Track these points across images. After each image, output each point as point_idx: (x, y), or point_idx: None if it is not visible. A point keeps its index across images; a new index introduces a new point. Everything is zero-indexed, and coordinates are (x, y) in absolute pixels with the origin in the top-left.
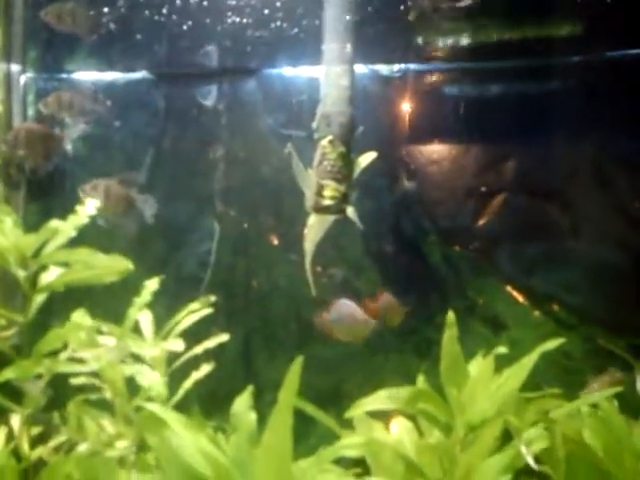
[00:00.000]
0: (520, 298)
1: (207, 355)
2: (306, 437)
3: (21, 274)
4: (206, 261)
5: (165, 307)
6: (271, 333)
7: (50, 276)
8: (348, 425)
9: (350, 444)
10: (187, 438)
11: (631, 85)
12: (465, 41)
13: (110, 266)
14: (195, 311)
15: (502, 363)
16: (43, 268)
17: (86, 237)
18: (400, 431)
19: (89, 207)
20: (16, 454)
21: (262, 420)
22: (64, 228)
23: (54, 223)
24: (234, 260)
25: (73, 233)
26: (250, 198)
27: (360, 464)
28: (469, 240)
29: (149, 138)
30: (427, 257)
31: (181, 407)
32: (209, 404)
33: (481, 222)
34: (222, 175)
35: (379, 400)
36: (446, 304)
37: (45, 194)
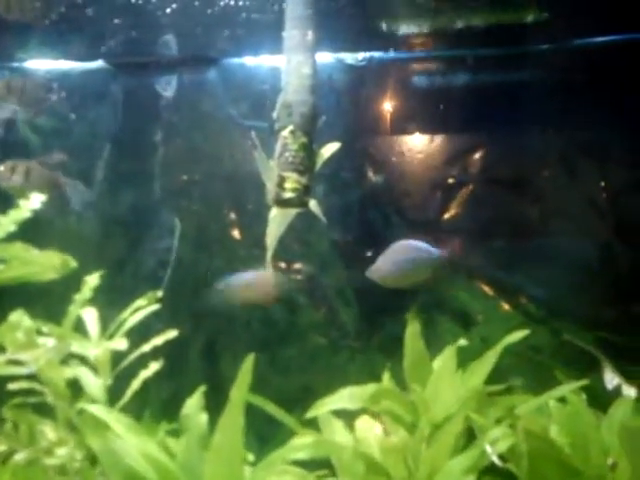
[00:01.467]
0: (489, 292)
1: (164, 354)
2: (272, 438)
3: None
4: (166, 258)
5: (123, 306)
6: (235, 332)
7: None
8: (315, 425)
9: (300, 445)
10: (131, 441)
11: (599, 73)
12: (430, 28)
13: (48, 262)
14: (142, 307)
15: (472, 358)
16: None
17: (39, 233)
18: (364, 430)
19: (34, 201)
20: None
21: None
22: (3, 222)
23: None
24: (196, 257)
25: (12, 228)
26: (212, 192)
27: (329, 466)
28: (437, 233)
29: (106, 130)
30: None
31: (134, 410)
32: (170, 406)
33: (449, 215)
34: (183, 168)
35: (342, 399)
36: (413, 299)
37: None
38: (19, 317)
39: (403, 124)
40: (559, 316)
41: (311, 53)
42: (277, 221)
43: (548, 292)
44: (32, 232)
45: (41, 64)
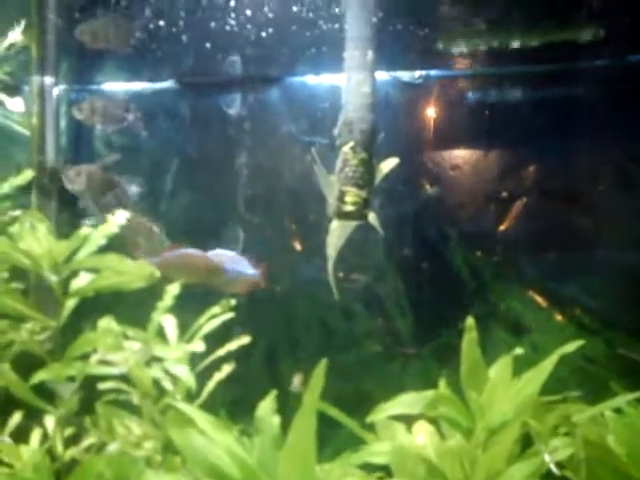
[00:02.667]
0: (542, 302)
1: (230, 358)
2: (330, 441)
3: (53, 279)
4: None
5: (194, 312)
6: (295, 338)
7: (81, 281)
8: (370, 429)
9: (377, 451)
10: (214, 438)
11: None
12: (486, 47)
13: (138, 272)
14: (217, 315)
15: (525, 368)
16: (74, 274)
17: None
18: (422, 435)
19: (120, 217)
20: (50, 454)
21: (287, 424)
22: (94, 236)
23: (85, 230)
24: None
25: (103, 241)
26: (274, 205)
27: (383, 468)
28: (491, 245)
29: (175, 146)
30: (449, 262)
31: (206, 411)
32: (235, 409)
33: (503, 227)
34: (246, 182)
35: (401, 404)
36: (468, 309)
37: (75, 204)
38: (107, 322)
39: (458, 139)
40: (613, 327)
41: (370, 72)
42: (337, 233)
43: (602, 303)
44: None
45: (117, 85)
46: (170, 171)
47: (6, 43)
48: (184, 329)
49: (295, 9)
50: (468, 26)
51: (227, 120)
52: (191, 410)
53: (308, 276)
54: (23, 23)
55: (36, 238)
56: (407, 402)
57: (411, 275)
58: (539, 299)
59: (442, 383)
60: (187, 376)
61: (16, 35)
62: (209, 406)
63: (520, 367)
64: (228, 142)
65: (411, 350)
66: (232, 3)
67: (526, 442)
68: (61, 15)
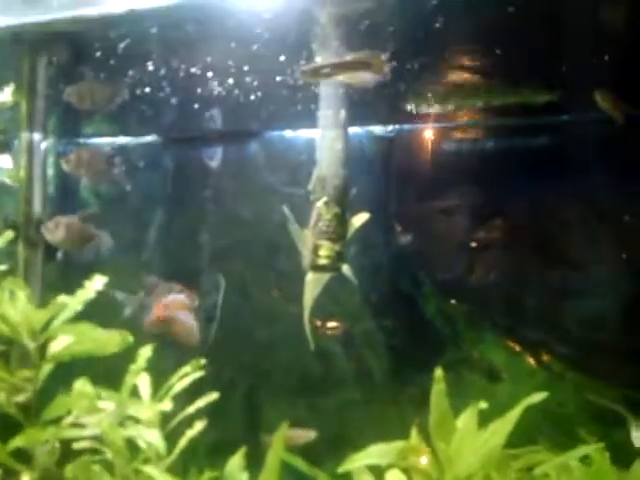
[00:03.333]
0: (514, 349)
1: (210, 410)
2: None
3: (31, 345)
4: (212, 314)
5: (175, 359)
6: (274, 383)
7: (58, 346)
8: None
9: None
10: None
11: (611, 143)
12: (455, 104)
13: (110, 339)
14: (187, 374)
15: (498, 413)
16: (52, 338)
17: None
18: None
19: (96, 283)
20: None
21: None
22: (71, 303)
23: (62, 298)
24: (238, 313)
25: (79, 307)
26: (253, 254)
27: None
28: (463, 293)
29: (158, 197)
30: (423, 310)
31: (184, 460)
32: (217, 452)
33: (474, 275)
34: (227, 232)
35: (372, 455)
36: (441, 356)
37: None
38: (82, 385)
39: (429, 190)
40: (582, 373)
41: (343, 130)
42: (312, 284)
43: (572, 349)
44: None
45: (103, 140)
46: (154, 221)
47: None
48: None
49: (274, 68)
50: (439, 87)
51: (209, 172)
52: (157, 474)
53: (287, 323)
54: (13, 84)
55: (14, 306)
56: (377, 453)
57: (387, 322)
58: (512, 344)
59: (413, 432)
60: (156, 439)
61: (6, 95)
62: (190, 449)
63: (494, 413)
64: (210, 193)
65: (387, 395)
66: (213, 64)
67: None
68: (51, 75)
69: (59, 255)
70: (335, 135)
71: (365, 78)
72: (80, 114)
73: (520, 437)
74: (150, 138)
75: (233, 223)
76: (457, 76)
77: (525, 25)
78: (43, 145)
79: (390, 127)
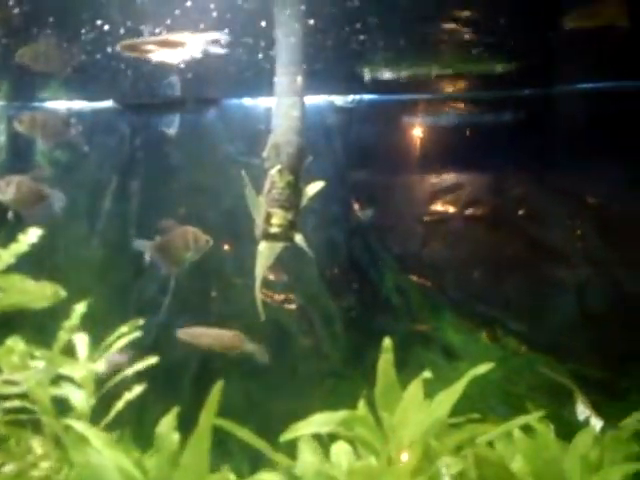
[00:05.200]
0: (470, 324)
1: (156, 378)
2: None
3: None
4: (166, 285)
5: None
6: (228, 357)
7: None
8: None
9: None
10: (108, 457)
11: (575, 119)
12: (410, 74)
13: (40, 292)
14: (125, 334)
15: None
16: None
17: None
18: (338, 454)
19: (31, 235)
20: None
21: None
22: (3, 255)
23: None
24: (193, 284)
25: (12, 260)
26: (210, 223)
27: None
28: (420, 267)
29: (115, 164)
30: (380, 285)
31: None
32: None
33: (431, 249)
34: (183, 201)
35: (313, 424)
36: (396, 331)
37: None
38: (14, 342)
39: (388, 162)
40: (536, 348)
41: (299, 97)
42: (265, 254)
43: (525, 325)
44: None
45: (59, 104)
46: (108, 188)
47: None
48: None
49: (234, 34)
50: (395, 55)
51: (165, 139)
52: (86, 429)
53: (240, 294)
54: None
55: None
56: (319, 422)
57: (342, 297)
58: (467, 321)
59: (361, 403)
60: (81, 400)
61: None
62: (132, 424)
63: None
64: (167, 161)
65: (341, 370)
66: (172, 26)
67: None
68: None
69: (10, 215)
70: (291, 102)
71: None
72: (35, 77)
73: (471, 412)
74: (107, 104)
75: (190, 192)
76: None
77: None
78: None
79: (350, 98)
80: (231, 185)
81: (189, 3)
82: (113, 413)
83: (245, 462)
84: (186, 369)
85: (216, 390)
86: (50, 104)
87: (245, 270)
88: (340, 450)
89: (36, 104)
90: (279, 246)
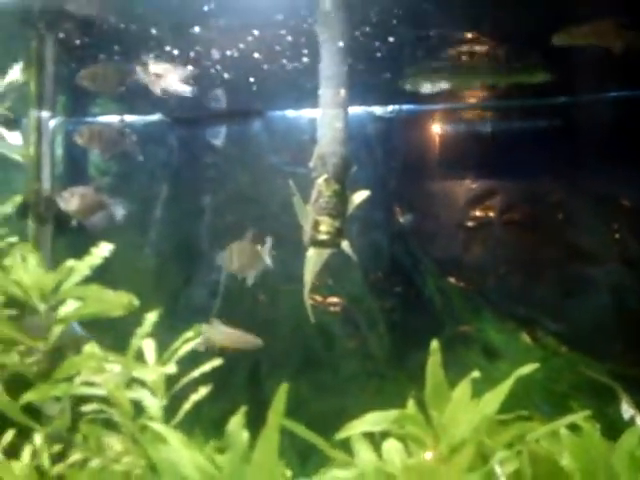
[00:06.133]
0: (508, 325)
1: (211, 379)
2: (313, 456)
3: (42, 308)
4: (215, 291)
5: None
6: (277, 359)
7: (67, 309)
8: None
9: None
10: (185, 455)
11: (606, 125)
12: (453, 85)
13: (117, 301)
14: (191, 339)
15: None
16: (62, 302)
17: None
18: (390, 452)
19: (103, 249)
20: (39, 469)
21: None
22: (79, 267)
23: (70, 263)
24: (242, 290)
25: (87, 272)
26: (257, 230)
27: None
28: (460, 271)
29: (164, 174)
30: (422, 287)
31: (186, 429)
32: (220, 425)
33: (471, 253)
34: (230, 209)
35: (367, 422)
36: (439, 333)
37: (71, 229)
38: (91, 348)
39: (427, 169)
40: (573, 349)
41: (343, 109)
42: (313, 260)
43: (564, 325)
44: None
45: (110, 118)
46: (159, 198)
47: (7, 80)
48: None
49: (277, 48)
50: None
51: (212, 150)
52: (163, 429)
53: (290, 300)
54: (23, 61)
55: (26, 270)
56: (372, 420)
57: (386, 299)
58: (508, 322)
59: (410, 403)
60: (152, 401)
61: (16, 73)
62: (193, 422)
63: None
64: (213, 171)
65: (386, 371)
66: (217, 42)
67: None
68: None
69: (73, 223)
70: (335, 114)
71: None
72: (87, 93)
73: (518, 410)
74: (156, 117)
75: (236, 201)
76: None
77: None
78: (51, 123)
79: (390, 108)
80: (276, 194)
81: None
82: (182, 413)
83: (294, 458)
84: (238, 370)
85: (283, 390)
86: (102, 119)
87: (290, 275)
88: (392, 448)
89: (89, 119)
90: (327, 252)
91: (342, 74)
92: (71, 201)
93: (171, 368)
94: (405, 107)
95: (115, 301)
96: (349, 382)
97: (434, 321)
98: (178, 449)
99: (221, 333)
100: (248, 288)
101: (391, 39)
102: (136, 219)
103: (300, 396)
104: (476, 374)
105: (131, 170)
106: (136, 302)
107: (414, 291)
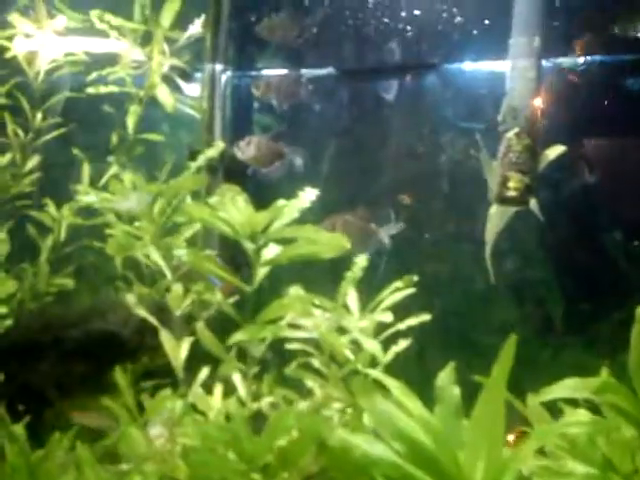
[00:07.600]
0: None
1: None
2: None
3: (250, 247)
4: (382, 250)
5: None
6: (445, 324)
7: (273, 251)
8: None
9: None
10: (402, 403)
11: None
12: None
13: (331, 243)
14: (400, 289)
15: None
16: (265, 244)
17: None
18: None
19: (310, 193)
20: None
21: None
22: (290, 208)
23: (281, 203)
24: (409, 249)
25: (297, 214)
26: (428, 189)
27: None
28: None
29: (334, 129)
30: (607, 251)
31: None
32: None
33: None
34: (401, 165)
35: (565, 389)
36: (625, 301)
37: (238, 180)
38: (297, 291)
39: (620, 127)
40: None
41: (536, 59)
42: (497, 218)
43: None
44: None
45: (278, 72)
46: (327, 154)
47: (187, 34)
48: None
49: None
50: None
51: (384, 105)
52: (380, 375)
53: (460, 261)
54: (202, 17)
55: (237, 208)
56: (572, 386)
57: (564, 262)
58: None
59: (604, 372)
60: (374, 346)
61: (197, 27)
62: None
63: None
64: (384, 126)
65: (562, 339)
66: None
67: None
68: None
69: (249, 171)
70: (528, 64)
71: None
72: (255, 47)
73: None
74: (325, 71)
75: (408, 158)
76: None
77: None
78: (224, 77)
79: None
80: (449, 150)
81: None
82: (385, 362)
83: None
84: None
85: (511, 342)
86: (270, 72)
87: (462, 234)
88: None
89: (255, 73)
90: (511, 210)
91: (538, 22)
92: (247, 150)
93: (387, 317)
94: (597, 59)
95: (329, 243)
96: (522, 350)
97: (619, 287)
98: (394, 398)
99: None
100: (416, 248)
101: None
102: (306, 172)
103: (464, 362)
104: None
105: (299, 125)
106: (348, 245)
107: (598, 256)
